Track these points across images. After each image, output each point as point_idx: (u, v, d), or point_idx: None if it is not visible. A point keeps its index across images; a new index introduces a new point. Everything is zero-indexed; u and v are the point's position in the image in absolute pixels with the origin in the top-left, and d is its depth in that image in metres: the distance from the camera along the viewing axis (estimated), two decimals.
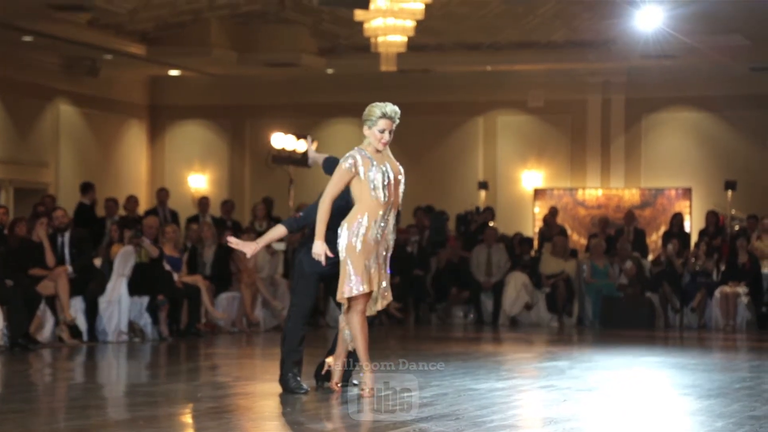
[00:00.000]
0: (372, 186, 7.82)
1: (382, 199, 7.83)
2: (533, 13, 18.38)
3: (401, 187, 7.97)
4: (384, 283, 7.93)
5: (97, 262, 13.87)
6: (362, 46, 17.68)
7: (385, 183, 7.84)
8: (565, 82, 20.63)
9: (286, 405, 7.81)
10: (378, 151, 7.90)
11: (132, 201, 17.24)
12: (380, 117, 7.91)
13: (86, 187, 17.49)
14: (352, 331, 7.94)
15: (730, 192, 18.72)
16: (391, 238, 7.93)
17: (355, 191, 7.87)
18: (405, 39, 15.91)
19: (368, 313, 7.96)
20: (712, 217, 18.55)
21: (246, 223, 18.31)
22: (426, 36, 18.64)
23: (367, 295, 7.87)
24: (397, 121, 7.97)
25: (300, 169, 17.76)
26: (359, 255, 7.79)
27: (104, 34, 17.98)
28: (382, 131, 7.90)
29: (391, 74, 17.45)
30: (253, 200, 19.79)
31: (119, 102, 21.25)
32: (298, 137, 17.37)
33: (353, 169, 7.84)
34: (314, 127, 20.58)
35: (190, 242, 15.60)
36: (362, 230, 7.81)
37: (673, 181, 20.30)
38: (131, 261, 13.50)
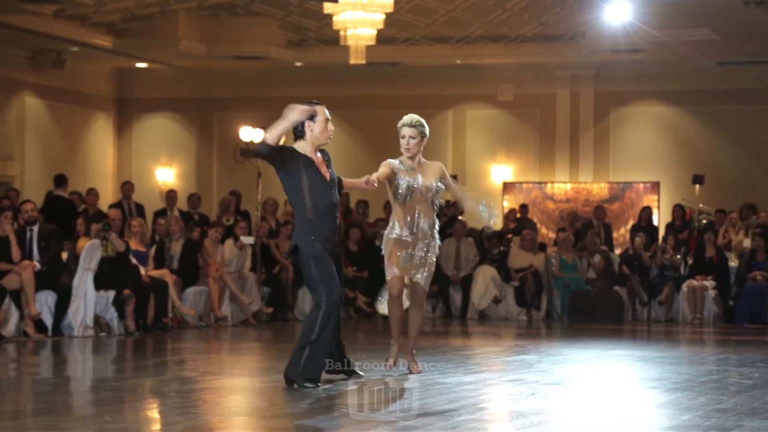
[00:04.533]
0: (396, 192, 8.87)
1: (407, 203, 8.87)
2: (502, 6, 18.39)
3: (431, 195, 8.97)
4: (419, 276, 8.91)
5: (64, 255, 13.76)
6: (331, 39, 17.63)
7: (409, 191, 8.84)
8: (534, 76, 20.66)
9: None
10: (411, 160, 8.94)
11: (92, 194, 17.05)
12: (401, 126, 8.97)
13: (62, 180, 17.27)
14: (388, 311, 9.01)
15: (697, 186, 18.81)
16: (431, 242, 8.94)
17: (390, 195, 8.95)
18: (374, 32, 15.87)
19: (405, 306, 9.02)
20: (678, 211, 18.64)
21: (213, 216, 18.22)
22: (395, 29, 18.63)
23: (401, 283, 8.88)
24: (419, 128, 8.94)
25: (268, 163, 17.68)
26: (392, 248, 8.89)
27: (70, 25, 17.83)
28: (404, 137, 8.94)
29: (360, 67, 17.40)
30: (221, 194, 19.69)
31: (85, 94, 21.08)
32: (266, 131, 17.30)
33: (391, 166, 8.86)
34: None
35: (157, 236, 15.50)
36: (392, 231, 8.92)
37: (641, 175, 20.37)
38: (97, 255, 13.39)
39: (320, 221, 8.29)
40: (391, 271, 8.92)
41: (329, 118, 8.47)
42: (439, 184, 9.01)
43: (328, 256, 8.31)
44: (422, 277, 9.00)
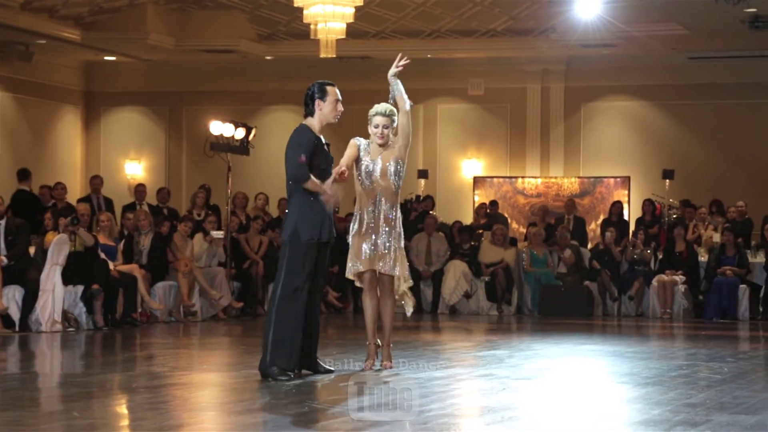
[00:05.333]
0: (359, 175, 8.79)
1: (368, 188, 8.77)
2: (473, 1, 18.38)
3: (391, 178, 8.78)
4: (396, 266, 8.86)
5: (31, 250, 13.65)
6: (301, 32, 17.55)
7: (369, 174, 8.75)
8: (504, 71, 20.67)
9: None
10: (380, 146, 8.84)
11: (59, 188, 16.91)
12: (374, 115, 8.93)
13: (25, 174, 17.10)
14: (363, 308, 9.06)
15: (667, 181, 18.88)
16: (392, 230, 8.79)
17: (355, 177, 8.82)
18: (344, 26, 15.81)
19: (396, 294, 9.12)
20: (648, 206, 18.70)
21: (183, 211, 18.13)
22: (366, 23, 18.58)
23: (371, 276, 8.85)
24: (392, 116, 8.93)
25: (238, 157, 17.61)
26: (356, 240, 8.86)
27: (37, 18, 17.67)
28: (377, 126, 8.87)
29: (330, 61, 17.33)
30: (190, 188, 19.59)
31: (53, 88, 20.92)
32: (237, 125, 17.24)
33: (357, 147, 8.80)
34: (253, 114, 20.43)
35: (126, 230, 15.40)
36: (357, 218, 8.85)
37: (611, 170, 20.43)
38: (65, 249, 13.29)
39: (320, 200, 8.47)
40: (356, 268, 8.87)
41: (340, 99, 8.73)
42: (399, 163, 8.85)
43: (313, 254, 8.48)
44: (384, 266, 8.87)
